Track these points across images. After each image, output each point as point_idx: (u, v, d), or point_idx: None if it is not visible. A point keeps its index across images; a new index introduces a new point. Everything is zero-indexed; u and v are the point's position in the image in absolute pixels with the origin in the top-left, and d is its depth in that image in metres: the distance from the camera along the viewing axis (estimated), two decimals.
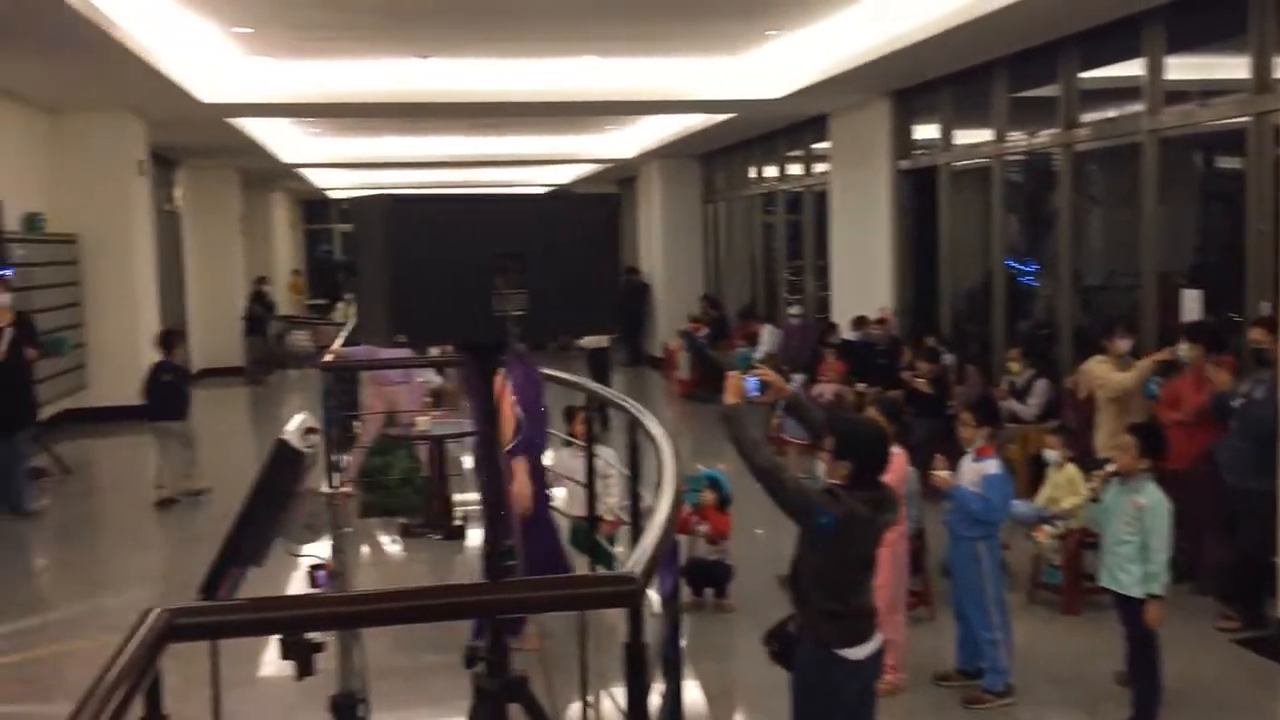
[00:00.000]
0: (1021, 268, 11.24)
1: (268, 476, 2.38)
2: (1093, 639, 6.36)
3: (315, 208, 31.83)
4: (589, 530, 6.62)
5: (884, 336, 12.04)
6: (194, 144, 16.60)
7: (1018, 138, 10.45)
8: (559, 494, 6.77)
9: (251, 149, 16.93)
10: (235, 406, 16.25)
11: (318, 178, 24.61)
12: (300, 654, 2.36)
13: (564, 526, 6.43)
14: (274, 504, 2.38)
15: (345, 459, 7.94)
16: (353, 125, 17.24)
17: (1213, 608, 6.68)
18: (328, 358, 8.13)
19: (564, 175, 25.82)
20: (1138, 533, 5.09)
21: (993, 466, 5.67)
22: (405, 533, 7.73)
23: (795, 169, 15.98)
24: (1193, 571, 7.09)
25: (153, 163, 14.67)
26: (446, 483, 7.34)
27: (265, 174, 21.67)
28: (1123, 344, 7.54)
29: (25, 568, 8.53)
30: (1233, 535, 6.63)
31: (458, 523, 7.10)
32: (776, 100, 12.52)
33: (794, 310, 14.95)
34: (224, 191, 20.18)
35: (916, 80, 11.60)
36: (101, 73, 10.54)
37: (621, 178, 25.23)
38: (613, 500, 6.92)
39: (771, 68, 12.00)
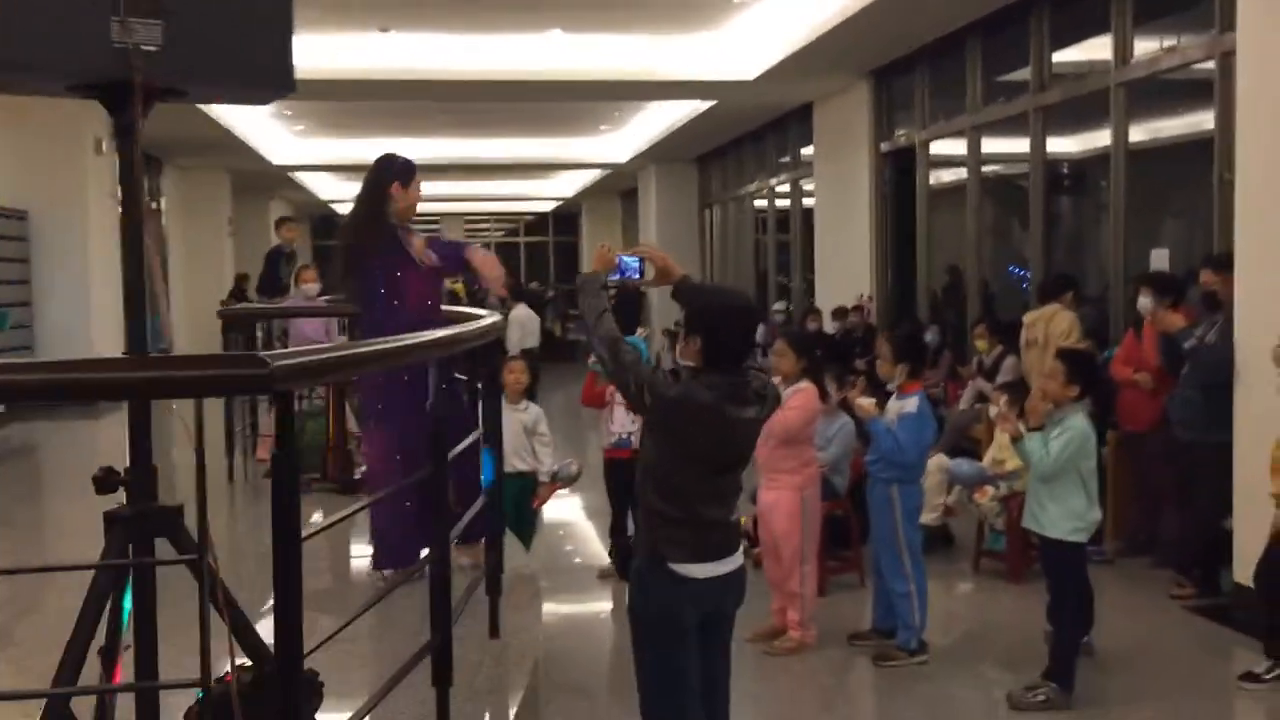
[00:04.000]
0: (1021, 272, 10.65)
1: None
2: (1036, 607, 5.82)
3: (327, 223, 30.70)
4: (520, 496, 6.12)
5: (860, 324, 11.59)
6: (179, 138, 16.27)
7: (993, 112, 9.96)
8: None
9: (237, 146, 16.64)
10: None
11: (319, 186, 24.27)
12: None
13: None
14: None
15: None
16: (340, 125, 16.92)
17: (1170, 579, 6.15)
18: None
19: (565, 186, 25.49)
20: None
21: (912, 405, 5.19)
22: (305, 488, 7.27)
23: (784, 182, 15.52)
24: (1152, 544, 6.67)
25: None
26: (346, 438, 6.89)
27: (257, 178, 21.39)
28: None
29: None
30: (1190, 504, 6.09)
31: (358, 476, 6.63)
32: (752, 82, 12.10)
33: (777, 307, 14.47)
34: (212, 194, 20.26)
35: (893, 57, 11.16)
36: None
37: (624, 189, 24.86)
38: (547, 464, 6.41)
39: (745, 45, 11.59)
